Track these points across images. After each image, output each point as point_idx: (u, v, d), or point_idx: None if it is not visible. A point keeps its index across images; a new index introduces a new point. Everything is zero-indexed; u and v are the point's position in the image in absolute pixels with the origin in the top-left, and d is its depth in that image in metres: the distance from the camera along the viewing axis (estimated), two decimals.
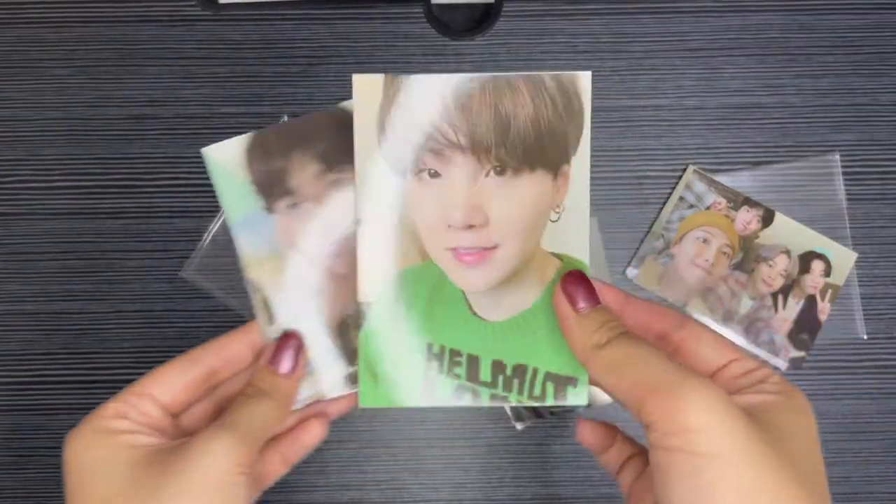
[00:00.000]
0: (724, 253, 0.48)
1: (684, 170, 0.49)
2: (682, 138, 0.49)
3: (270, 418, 0.33)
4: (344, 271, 0.37)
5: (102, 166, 0.49)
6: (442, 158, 0.30)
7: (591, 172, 0.49)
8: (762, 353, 0.48)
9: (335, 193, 0.37)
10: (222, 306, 0.48)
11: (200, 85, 0.49)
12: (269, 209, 0.37)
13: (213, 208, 0.48)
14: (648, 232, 0.49)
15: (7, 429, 0.48)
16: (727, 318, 0.48)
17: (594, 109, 0.49)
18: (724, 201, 0.48)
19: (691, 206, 0.48)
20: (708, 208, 0.48)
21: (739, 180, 0.49)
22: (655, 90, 0.49)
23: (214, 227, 0.48)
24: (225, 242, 0.48)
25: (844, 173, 0.49)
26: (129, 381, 0.48)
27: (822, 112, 0.49)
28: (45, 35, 0.49)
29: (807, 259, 0.48)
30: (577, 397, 0.32)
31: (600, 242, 0.48)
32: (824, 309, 0.48)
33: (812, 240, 0.48)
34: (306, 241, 0.37)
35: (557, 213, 0.31)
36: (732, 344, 0.31)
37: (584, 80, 0.31)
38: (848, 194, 0.49)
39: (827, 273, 0.48)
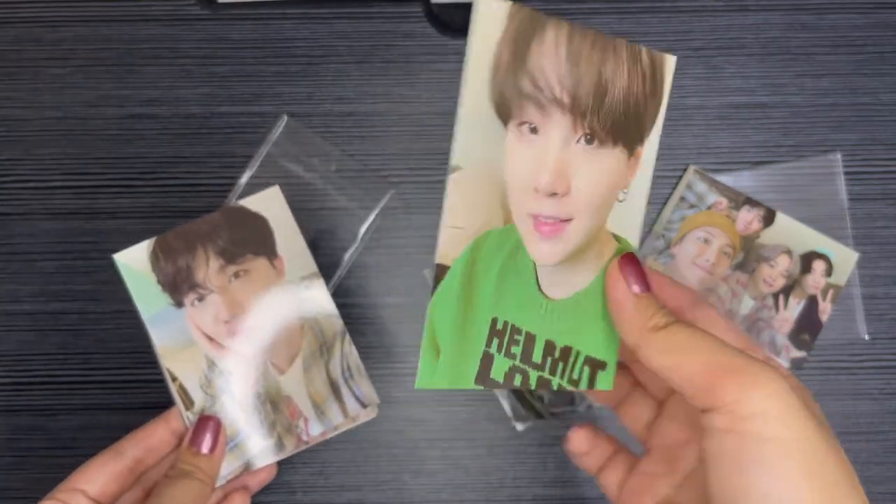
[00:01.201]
0: (725, 253, 0.48)
1: (685, 169, 0.49)
2: (683, 138, 0.49)
3: (194, 497, 0.36)
4: (251, 353, 0.42)
5: (101, 166, 0.49)
6: (544, 114, 0.28)
7: None
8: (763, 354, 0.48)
9: (238, 283, 0.42)
10: None
11: (199, 84, 0.49)
12: (178, 304, 0.41)
13: (212, 208, 0.48)
14: (649, 232, 0.49)
15: (5, 429, 0.48)
16: (728, 318, 0.48)
17: None
18: (725, 201, 0.48)
19: (692, 206, 0.48)
20: (709, 208, 0.48)
21: (740, 180, 0.49)
22: None
23: None
24: None
25: (846, 173, 0.49)
26: (127, 382, 0.48)
27: (823, 111, 0.49)
28: (43, 34, 0.49)
29: (808, 259, 0.48)
30: (604, 382, 0.31)
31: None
32: (825, 309, 0.48)
33: (813, 240, 0.48)
34: (215, 329, 0.41)
35: (625, 193, 0.30)
36: (743, 334, 0.30)
37: (670, 62, 0.30)
38: (849, 194, 0.49)
39: (828, 273, 0.48)
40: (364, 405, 0.42)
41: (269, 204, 0.42)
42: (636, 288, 0.29)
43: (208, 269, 0.41)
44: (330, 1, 0.49)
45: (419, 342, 0.48)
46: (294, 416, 0.41)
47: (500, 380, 0.29)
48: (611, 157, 0.29)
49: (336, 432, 0.42)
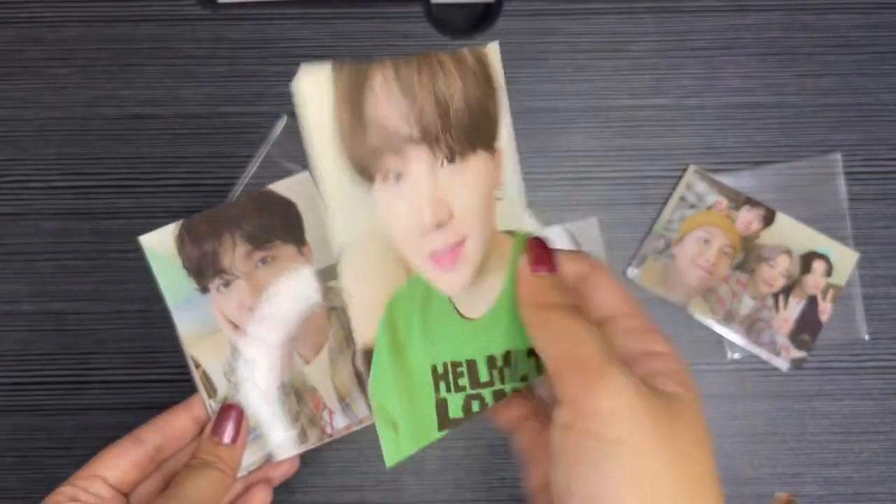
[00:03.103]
0: (726, 253, 0.48)
1: (685, 169, 0.49)
2: (683, 138, 0.49)
3: (215, 488, 0.35)
4: (276, 342, 0.40)
5: (101, 166, 0.49)
6: (402, 157, 0.27)
7: (592, 172, 0.49)
8: (763, 354, 0.48)
9: (264, 270, 0.40)
10: None
11: (200, 84, 0.49)
12: (203, 290, 0.40)
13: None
14: (649, 232, 0.49)
15: (5, 429, 0.48)
16: (728, 318, 0.48)
17: (600, 108, 0.49)
18: (725, 201, 0.48)
19: (692, 206, 0.48)
20: (709, 208, 0.48)
21: (740, 180, 0.49)
22: (656, 90, 0.49)
23: None
24: None
25: (846, 173, 0.49)
26: (127, 382, 0.48)
27: (823, 111, 0.49)
28: (43, 34, 0.49)
29: (808, 259, 0.48)
30: None
31: (601, 242, 0.48)
32: (825, 309, 0.48)
33: (813, 240, 0.48)
34: (240, 316, 0.40)
35: (500, 190, 0.30)
36: (631, 299, 0.29)
37: (493, 50, 0.29)
38: (849, 194, 0.49)
39: (828, 273, 0.48)
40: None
41: (299, 189, 0.41)
42: (539, 267, 0.29)
43: (234, 254, 0.40)
44: (330, 1, 0.49)
45: None
46: (318, 407, 0.41)
47: (461, 415, 0.30)
48: (476, 164, 0.29)
49: (360, 426, 0.41)
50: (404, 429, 0.29)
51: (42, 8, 0.49)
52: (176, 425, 0.38)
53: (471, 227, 0.29)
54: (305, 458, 0.41)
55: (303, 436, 0.40)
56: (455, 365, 0.30)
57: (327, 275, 0.41)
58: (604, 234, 0.49)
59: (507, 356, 0.30)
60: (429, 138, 0.28)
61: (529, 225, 0.31)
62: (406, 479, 0.48)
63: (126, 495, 0.36)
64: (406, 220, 0.28)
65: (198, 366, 0.40)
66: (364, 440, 0.48)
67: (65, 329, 0.48)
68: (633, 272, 0.48)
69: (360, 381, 0.41)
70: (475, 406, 0.30)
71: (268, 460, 0.40)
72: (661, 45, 0.49)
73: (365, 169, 0.27)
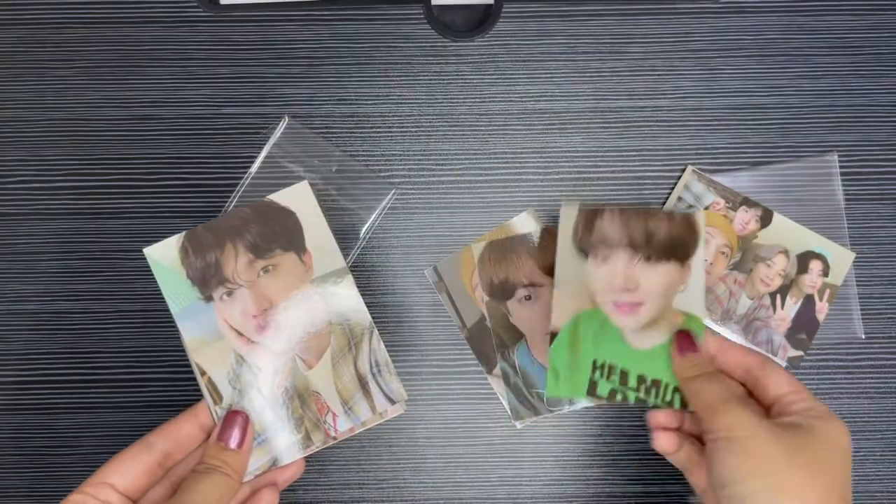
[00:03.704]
0: (723, 253, 0.48)
1: (683, 170, 0.49)
2: (681, 139, 0.50)
3: (222, 492, 0.36)
4: (280, 348, 0.41)
5: (105, 167, 0.49)
6: (610, 250, 0.43)
7: (590, 173, 0.49)
8: (761, 353, 0.48)
9: (266, 278, 0.42)
10: None
11: (202, 86, 0.49)
12: (207, 298, 0.41)
13: (215, 208, 0.49)
14: None
15: (9, 428, 0.48)
16: (725, 317, 0.48)
17: (599, 110, 0.50)
18: (722, 201, 0.49)
19: (690, 207, 0.49)
20: (706, 208, 0.49)
21: (738, 180, 0.49)
22: (655, 91, 0.50)
23: None
24: None
25: (843, 173, 0.49)
26: (130, 381, 0.49)
27: (820, 113, 0.50)
28: (47, 36, 0.50)
29: (805, 259, 0.48)
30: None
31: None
32: (822, 308, 0.48)
33: (810, 240, 0.48)
34: (244, 324, 0.41)
35: (683, 287, 0.43)
36: (798, 382, 0.39)
37: (699, 217, 0.43)
38: (846, 194, 0.49)
39: (825, 273, 0.48)
40: (392, 401, 0.42)
41: (298, 198, 0.42)
42: (684, 352, 0.41)
43: (237, 263, 0.42)
44: (331, 3, 0.50)
45: (420, 342, 0.48)
46: (322, 411, 0.41)
47: (605, 396, 0.42)
48: (666, 268, 0.43)
49: (363, 428, 0.42)
50: (563, 379, 0.42)
51: (46, 10, 0.50)
52: (183, 431, 0.38)
53: (650, 298, 0.43)
54: (307, 457, 0.41)
55: (307, 439, 0.41)
56: (611, 367, 0.42)
57: (327, 281, 0.42)
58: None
59: (656, 382, 0.42)
60: (633, 245, 0.43)
61: (699, 312, 0.43)
62: (406, 477, 0.48)
63: (134, 502, 0.37)
64: (604, 280, 0.43)
65: (203, 373, 0.41)
66: (365, 439, 0.49)
67: (69, 328, 0.49)
68: None
69: (363, 385, 0.42)
70: (618, 397, 0.42)
71: (273, 464, 0.40)
72: (659, 46, 0.50)
73: (584, 251, 0.43)
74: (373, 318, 0.43)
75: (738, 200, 0.49)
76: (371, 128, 0.49)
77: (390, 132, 0.49)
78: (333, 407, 0.41)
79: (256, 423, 0.40)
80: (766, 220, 0.48)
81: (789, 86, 0.50)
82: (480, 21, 0.50)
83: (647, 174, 0.49)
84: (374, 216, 0.49)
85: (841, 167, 0.49)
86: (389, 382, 0.42)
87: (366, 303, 0.42)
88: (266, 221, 0.42)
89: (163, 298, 0.49)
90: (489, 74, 0.50)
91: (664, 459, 0.42)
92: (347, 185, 0.49)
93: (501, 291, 0.48)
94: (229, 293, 0.41)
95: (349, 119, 0.49)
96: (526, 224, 0.49)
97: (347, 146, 0.49)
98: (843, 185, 0.49)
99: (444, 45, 0.50)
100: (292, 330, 0.42)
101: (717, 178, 0.49)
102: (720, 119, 0.50)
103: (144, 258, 0.49)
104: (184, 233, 0.41)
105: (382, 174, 0.49)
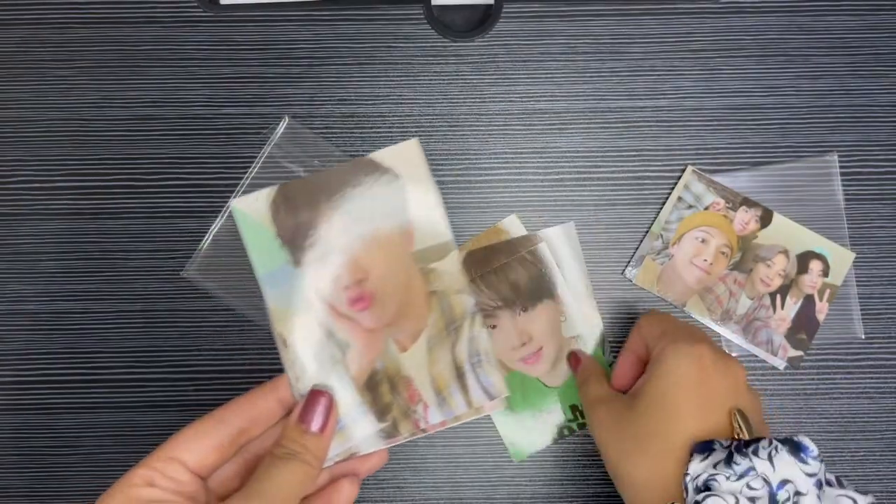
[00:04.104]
0: (723, 253, 0.48)
1: (683, 170, 0.49)
2: (681, 139, 0.50)
3: (300, 482, 0.32)
4: (372, 325, 0.37)
5: (105, 167, 0.49)
6: (494, 316, 0.47)
7: (590, 173, 0.49)
8: (760, 353, 0.48)
9: (362, 247, 0.37)
10: (224, 306, 0.48)
11: (203, 86, 0.49)
12: (296, 263, 0.37)
13: (215, 208, 0.49)
14: (647, 232, 0.49)
15: (9, 428, 0.49)
16: (725, 317, 0.48)
17: (599, 110, 0.50)
18: (722, 201, 0.49)
19: (690, 207, 0.49)
20: (706, 208, 0.49)
21: (738, 181, 0.49)
22: (655, 91, 0.50)
23: (216, 227, 0.48)
24: (227, 242, 0.48)
25: (842, 174, 0.49)
26: (131, 381, 0.49)
27: (820, 113, 0.50)
28: (48, 36, 0.50)
29: (805, 259, 0.48)
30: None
31: (578, 247, 0.49)
32: (822, 309, 0.48)
33: (810, 240, 0.48)
34: (335, 295, 0.36)
35: (564, 317, 0.47)
36: (654, 321, 0.43)
37: (543, 248, 0.47)
38: (846, 194, 0.49)
39: (825, 273, 0.48)
40: (491, 396, 0.37)
41: (405, 159, 0.37)
42: (576, 367, 0.46)
43: (332, 227, 0.37)
44: (332, 3, 0.50)
45: None
46: (413, 399, 0.37)
47: (558, 437, 0.49)
48: (543, 309, 0.47)
49: (455, 423, 0.38)
50: (519, 442, 0.48)
51: (47, 10, 0.50)
52: (260, 406, 0.35)
53: (545, 341, 0.47)
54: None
55: (393, 429, 0.37)
56: (546, 409, 0.48)
57: (429, 256, 0.38)
58: (600, 236, 0.49)
59: (576, 406, 0.47)
60: (508, 304, 0.46)
61: (584, 329, 0.48)
62: (406, 477, 0.48)
63: (203, 479, 0.34)
64: (504, 344, 0.47)
65: (285, 344, 0.36)
66: None
67: (69, 328, 0.49)
68: (630, 272, 0.49)
69: (460, 375, 0.38)
70: (565, 432, 0.48)
71: (353, 453, 0.37)
72: (659, 47, 0.50)
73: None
74: None
75: (738, 200, 0.49)
76: (371, 128, 0.49)
77: (390, 132, 0.49)
78: (426, 396, 0.37)
79: (340, 406, 0.36)
80: (766, 220, 0.48)
81: (789, 86, 0.50)
82: (480, 21, 0.50)
83: (647, 174, 0.49)
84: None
85: (841, 167, 0.49)
86: (489, 375, 0.37)
87: None
88: (367, 183, 0.37)
89: (162, 298, 0.49)
90: (489, 74, 0.50)
91: None
92: None
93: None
94: (321, 259, 0.37)
95: (349, 119, 0.49)
96: (512, 227, 0.48)
97: (347, 146, 0.49)
98: (843, 185, 0.49)
99: (445, 45, 0.50)
100: (387, 306, 0.37)
101: (717, 178, 0.49)
102: (720, 119, 0.50)
103: (145, 258, 0.49)
104: (277, 185, 0.36)
105: None
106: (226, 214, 0.48)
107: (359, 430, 0.36)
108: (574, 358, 0.47)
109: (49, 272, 0.49)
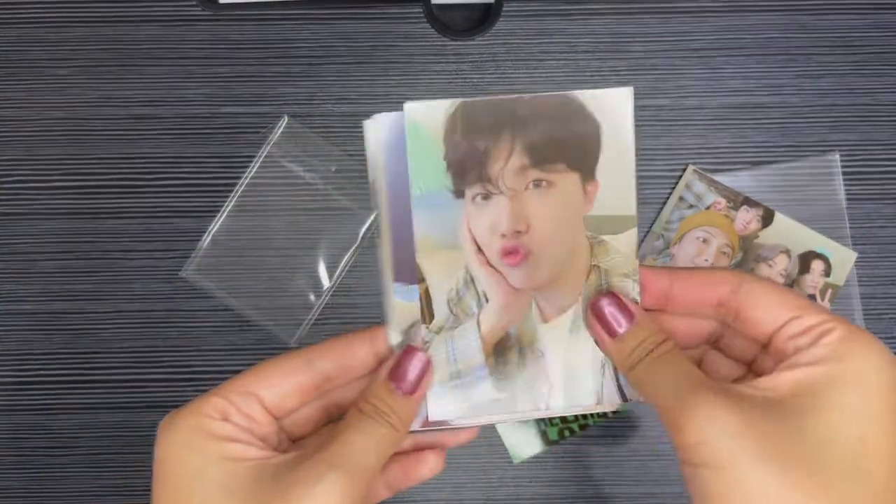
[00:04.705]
0: (724, 253, 0.48)
1: (684, 169, 0.49)
2: (682, 138, 0.49)
3: (384, 449, 0.30)
4: (519, 284, 0.33)
5: (103, 166, 0.49)
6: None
7: None
8: None
9: (534, 194, 0.32)
10: (223, 306, 0.48)
11: (201, 85, 0.49)
12: (457, 193, 0.32)
13: (214, 208, 0.48)
14: (648, 232, 0.49)
15: (7, 429, 0.48)
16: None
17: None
18: (723, 201, 0.48)
19: (691, 206, 0.49)
20: (708, 208, 0.48)
21: (739, 180, 0.49)
22: (655, 90, 0.49)
23: (215, 226, 0.48)
24: (225, 242, 0.48)
25: (844, 173, 0.49)
26: (128, 381, 0.48)
27: (822, 112, 0.50)
28: (45, 35, 0.49)
29: (806, 259, 0.48)
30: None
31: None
32: None
33: (812, 240, 0.48)
34: (489, 240, 0.33)
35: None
36: (797, 298, 0.28)
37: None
38: (848, 194, 0.49)
39: (827, 273, 0.48)
40: (625, 398, 0.34)
41: (612, 109, 0.32)
42: (616, 330, 0.31)
43: (508, 164, 0.32)
44: (331, 2, 0.50)
45: None
46: (539, 377, 0.34)
47: (557, 438, 0.47)
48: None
49: (577, 411, 0.34)
50: (519, 441, 0.46)
51: (44, 9, 0.49)
52: (354, 354, 0.32)
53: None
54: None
55: (511, 401, 0.33)
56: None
57: (604, 226, 0.33)
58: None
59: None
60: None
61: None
62: None
63: (278, 420, 0.31)
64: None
65: (422, 280, 0.33)
66: None
67: (66, 329, 0.48)
68: None
69: (598, 365, 0.34)
70: (567, 433, 0.46)
71: (447, 425, 0.33)
72: (660, 45, 0.50)
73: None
74: (370, 318, 0.42)
75: (739, 200, 0.48)
76: None
77: None
78: (554, 377, 0.34)
79: (460, 362, 0.33)
80: (767, 219, 0.48)
81: (790, 85, 0.50)
82: (480, 20, 0.50)
83: (648, 174, 0.49)
84: (373, 216, 0.48)
85: (843, 166, 0.49)
86: None
87: (364, 303, 0.42)
88: (561, 123, 0.32)
89: (160, 298, 0.49)
90: (489, 73, 0.49)
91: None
92: (347, 185, 0.48)
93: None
94: (485, 197, 0.32)
95: (349, 118, 0.49)
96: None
97: (347, 145, 0.49)
98: (845, 185, 0.49)
99: (444, 44, 0.50)
100: (541, 268, 0.33)
101: (718, 178, 0.49)
102: (721, 118, 0.49)
103: (143, 257, 0.49)
104: (460, 100, 0.32)
105: None
106: (225, 213, 0.48)
107: (475, 394, 0.33)
108: (612, 306, 0.32)
109: (46, 272, 0.49)
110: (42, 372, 0.48)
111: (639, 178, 0.49)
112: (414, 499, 0.48)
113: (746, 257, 0.48)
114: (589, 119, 0.32)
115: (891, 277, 0.49)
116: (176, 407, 0.48)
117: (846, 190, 0.49)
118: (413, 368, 0.31)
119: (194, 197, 0.49)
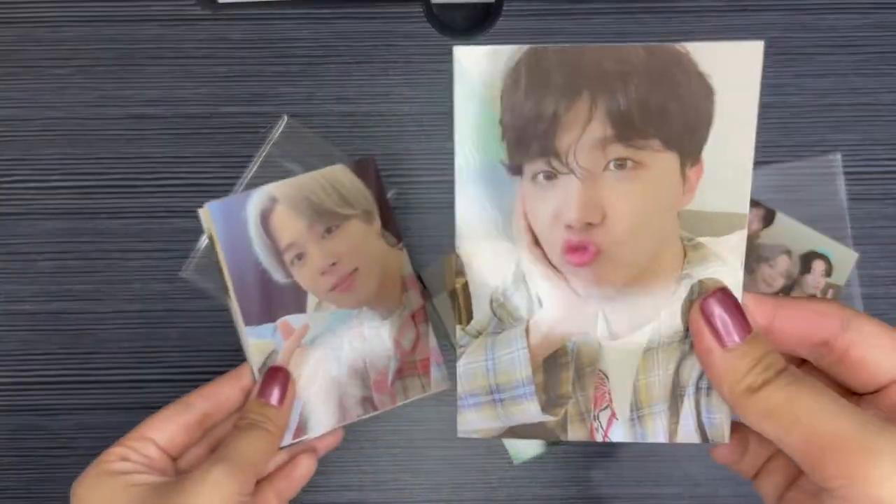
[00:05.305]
0: None
1: None
2: None
3: (263, 448, 0.35)
4: (585, 290, 0.27)
5: (102, 166, 0.49)
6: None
7: None
8: None
9: (615, 176, 0.26)
10: (222, 306, 0.48)
11: (200, 84, 0.49)
12: (515, 168, 0.26)
13: None
14: None
15: (7, 429, 0.48)
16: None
17: None
18: None
19: None
20: None
21: None
22: None
23: None
24: None
25: (846, 173, 0.49)
26: (128, 381, 0.48)
27: (823, 112, 0.49)
28: (44, 34, 0.49)
29: (808, 259, 0.48)
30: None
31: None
32: None
33: (813, 240, 0.48)
34: (550, 230, 0.27)
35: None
36: None
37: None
38: (849, 194, 0.49)
39: (828, 273, 0.48)
40: (706, 438, 0.28)
41: (733, 70, 0.24)
42: (731, 337, 0.25)
43: (583, 136, 0.25)
44: (331, 1, 0.49)
45: None
46: (599, 402, 0.28)
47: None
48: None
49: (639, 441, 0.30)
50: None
51: (43, 8, 0.49)
52: (224, 393, 0.38)
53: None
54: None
55: (560, 427, 0.28)
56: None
57: (704, 224, 0.26)
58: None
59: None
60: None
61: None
62: (406, 479, 0.48)
63: (174, 460, 0.37)
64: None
65: (461, 273, 0.28)
66: (364, 440, 0.48)
67: (66, 329, 0.48)
68: None
69: (676, 396, 0.28)
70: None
71: (508, 432, 0.29)
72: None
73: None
74: None
75: None
76: (371, 127, 0.49)
77: (390, 131, 0.49)
78: (617, 405, 0.28)
79: (502, 374, 0.27)
80: (768, 219, 0.48)
81: (791, 84, 0.50)
82: (481, 19, 0.50)
83: None
84: None
85: (844, 166, 0.49)
86: (715, 412, 0.27)
87: None
88: (660, 84, 0.24)
89: (160, 298, 0.49)
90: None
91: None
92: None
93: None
94: (550, 176, 0.26)
95: (348, 118, 0.49)
96: None
97: (347, 145, 0.49)
98: (847, 185, 0.49)
99: (444, 43, 0.49)
100: (616, 272, 0.27)
101: None
102: None
103: (142, 257, 0.49)
104: (526, 47, 0.25)
105: (382, 174, 0.49)
106: None
107: (518, 413, 0.28)
108: (726, 311, 0.25)
109: (46, 272, 0.48)
110: (41, 372, 0.48)
111: None
112: (414, 499, 0.48)
113: (747, 257, 0.48)
114: (700, 81, 0.25)
115: (892, 277, 0.49)
116: None
117: (847, 190, 0.49)
118: (277, 383, 0.37)
119: (194, 197, 0.49)
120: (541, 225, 0.26)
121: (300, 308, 0.39)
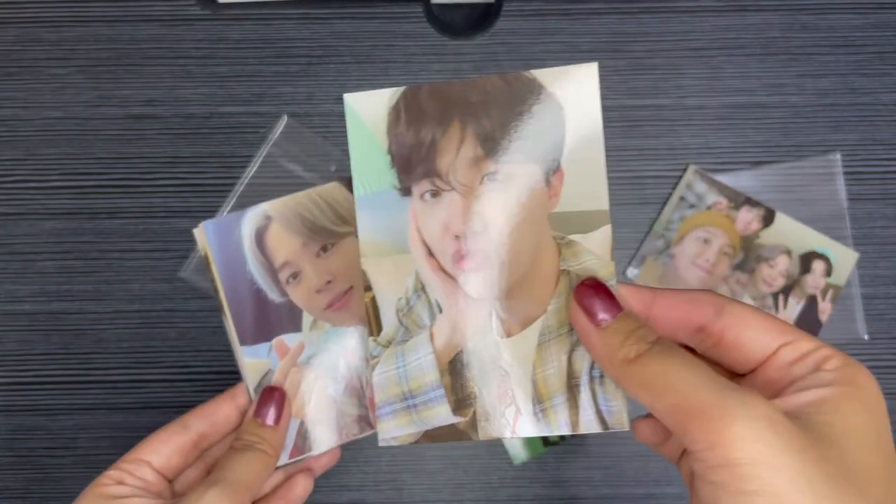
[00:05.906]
0: (725, 253, 0.48)
1: (685, 169, 0.49)
2: (683, 138, 0.49)
3: (259, 469, 0.35)
4: (478, 293, 0.30)
5: (101, 166, 0.49)
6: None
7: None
8: None
9: (491, 189, 0.29)
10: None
11: (200, 84, 0.49)
12: (404, 191, 0.30)
13: (212, 208, 0.48)
14: (649, 232, 0.49)
15: (6, 429, 0.48)
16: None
17: None
18: (724, 201, 0.48)
19: (692, 206, 0.48)
20: (709, 208, 0.48)
21: (740, 180, 0.49)
22: (656, 90, 0.49)
23: None
24: None
25: (845, 173, 0.49)
26: (127, 382, 0.48)
27: (823, 112, 0.49)
28: (43, 34, 0.49)
29: (808, 259, 0.48)
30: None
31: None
32: (825, 309, 0.48)
33: (813, 240, 0.48)
34: (441, 242, 0.30)
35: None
36: (783, 324, 0.26)
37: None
38: (849, 194, 0.49)
39: (828, 273, 0.48)
40: (606, 426, 0.29)
41: (576, 88, 0.29)
42: (602, 316, 0.27)
43: (458, 156, 0.29)
44: (330, 1, 0.49)
45: None
46: (503, 399, 0.30)
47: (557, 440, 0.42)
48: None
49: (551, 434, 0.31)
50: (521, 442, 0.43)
51: (42, 8, 0.49)
52: (220, 413, 0.37)
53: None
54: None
55: (471, 428, 0.30)
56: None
57: (572, 224, 0.29)
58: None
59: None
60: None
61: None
62: (406, 479, 0.48)
63: (170, 481, 0.36)
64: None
65: (368, 288, 0.30)
66: (365, 440, 0.48)
67: (65, 329, 0.48)
68: (632, 272, 0.48)
69: (572, 387, 0.29)
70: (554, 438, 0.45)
71: (422, 436, 0.31)
72: (660, 45, 0.49)
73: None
74: None
75: (740, 200, 0.48)
76: None
77: None
78: (520, 401, 0.29)
79: (413, 380, 0.30)
80: (768, 219, 0.48)
81: (791, 84, 0.50)
82: (480, 19, 0.50)
83: (649, 173, 0.49)
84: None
85: (844, 166, 0.49)
86: (611, 398, 0.29)
87: None
88: (517, 106, 0.29)
89: (159, 298, 0.49)
90: (489, 73, 0.49)
91: (666, 461, 0.42)
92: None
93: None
94: (434, 194, 0.29)
95: None
96: None
97: (346, 145, 0.49)
98: (846, 185, 0.49)
99: (444, 43, 0.49)
100: (502, 275, 0.29)
101: (720, 178, 0.48)
102: (722, 118, 0.49)
103: (141, 258, 0.48)
104: (403, 88, 0.29)
105: None
106: (225, 213, 0.48)
107: (431, 416, 0.30)
108: (596, 294, 0.28)
109: (45, 272, 0.48)
110: (40, 372, 0.48)
111: (640, 177, 0.49)
112: (414, 499, 0.48)
113: (747, 258, 0.48)
114: (550, 101, 0.29)
115: (892, 277, 0.49)
116: (174, 407, 0.48)
117: (847, 190, 0.49)
118: (272, 403, 0.37)
119: (193, 197, 0.49)
120: (432, 237, 0.30)
121: (295, 327, 0.38)
